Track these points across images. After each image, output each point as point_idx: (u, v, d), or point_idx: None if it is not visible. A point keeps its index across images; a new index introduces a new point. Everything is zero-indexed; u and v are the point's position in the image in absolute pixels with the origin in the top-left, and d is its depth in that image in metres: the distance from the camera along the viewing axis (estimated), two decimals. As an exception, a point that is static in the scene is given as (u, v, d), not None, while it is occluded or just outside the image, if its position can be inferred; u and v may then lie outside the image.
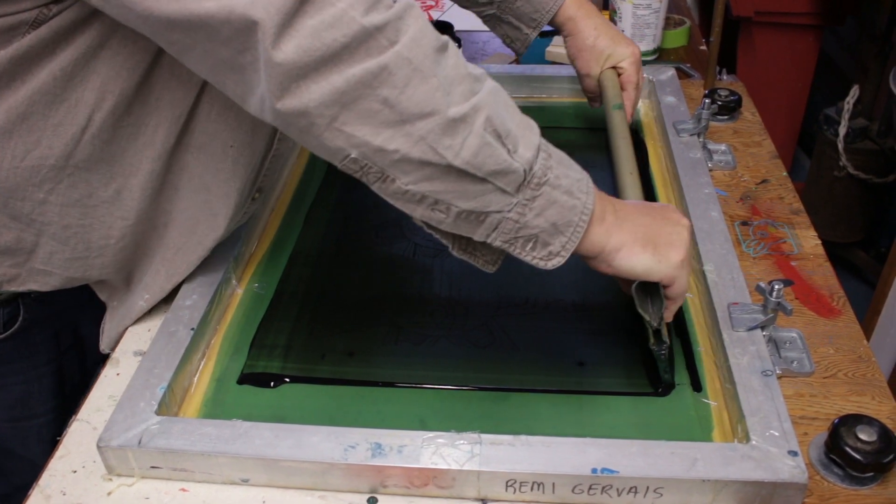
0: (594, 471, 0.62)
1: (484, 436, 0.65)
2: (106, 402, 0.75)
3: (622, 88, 1.00)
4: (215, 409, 0.73)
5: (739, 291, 0.78)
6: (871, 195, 1.73)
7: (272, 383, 0.76)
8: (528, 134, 0.60)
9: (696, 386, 0.74)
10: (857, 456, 0.65)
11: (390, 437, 0.65)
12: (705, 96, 1.12)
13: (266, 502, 0.65)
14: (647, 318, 0.71)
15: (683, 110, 1.08)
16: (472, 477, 0.63)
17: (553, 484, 0.63)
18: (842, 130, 1.63)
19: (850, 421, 0.67)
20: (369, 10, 0.54)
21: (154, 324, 0.83)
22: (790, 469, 0.62)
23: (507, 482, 0.63)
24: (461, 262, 0.68)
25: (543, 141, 0.61)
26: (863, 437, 0.65)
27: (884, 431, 0.66)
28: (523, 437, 0.65)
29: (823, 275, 0.86)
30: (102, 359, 0.98)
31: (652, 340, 0.73)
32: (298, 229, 0.95)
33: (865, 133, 1.67)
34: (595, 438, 0.65)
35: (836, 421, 0.67)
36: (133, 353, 0.80)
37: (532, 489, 0.64)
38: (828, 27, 1.91)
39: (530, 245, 0.62)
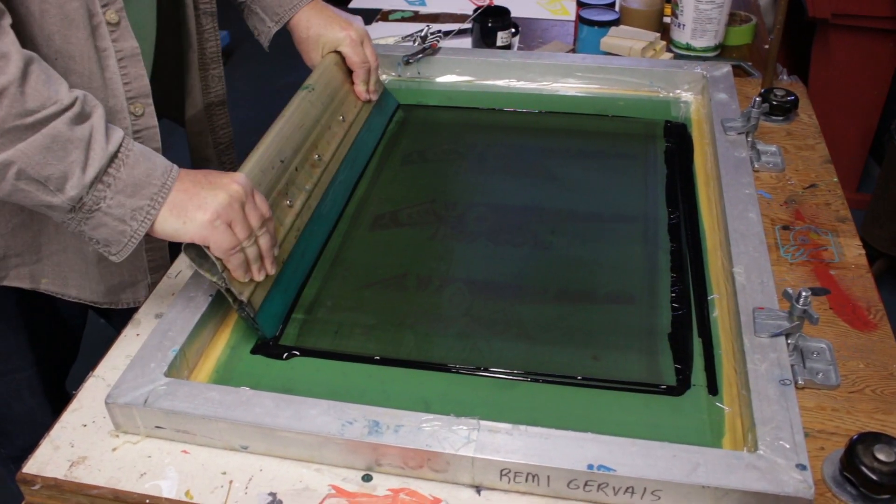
0: (590, 467, 0.61)
1: (482, 422, 0.64)
2: (123, 361, 0.76)
3: (351, 70, 1.04)
4: (226, 376, 0.74)
5: (768, 296, 0.75)
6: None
7: (284, 355, 0.76)
8: (79, 174, 0.66)
9: (713, 389, 0.72)
10: (873, 476, 0.61)
11: (389, 417, 0.65)
12: (759, 95, 1.08)
13: (263, 470, 0.66)
14: (213, 279, 0.73)
15: (735, 108, 1.04)
16: (467, 463, 0.62)
17: (548, 477, 0.62)
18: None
19: (869, 439, 0.64)
20: None
21: (178, 288, 0.85)
22: (796, 483, 0.59)
23: (501, 471, 0.62)
24: (483, 248, 0.76)
25: (114, 172, 0.68)
26: (881, 456, 0.62)
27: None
28: (522, 427, 0.63)
29: (863, 286, 0.82)
30: (78, 308, 0.97)
31: (231, 302, 0.75)
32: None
33: None
34: (596, 434, 0.63)
35: (853, 438, 0.64)
36: (154, 316, 0.82)
37: (527, 480, 0.62)
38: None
39: (94, 243, 0.71)
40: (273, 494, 0.65)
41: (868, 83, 1.80)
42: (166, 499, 0.64)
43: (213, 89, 1.00)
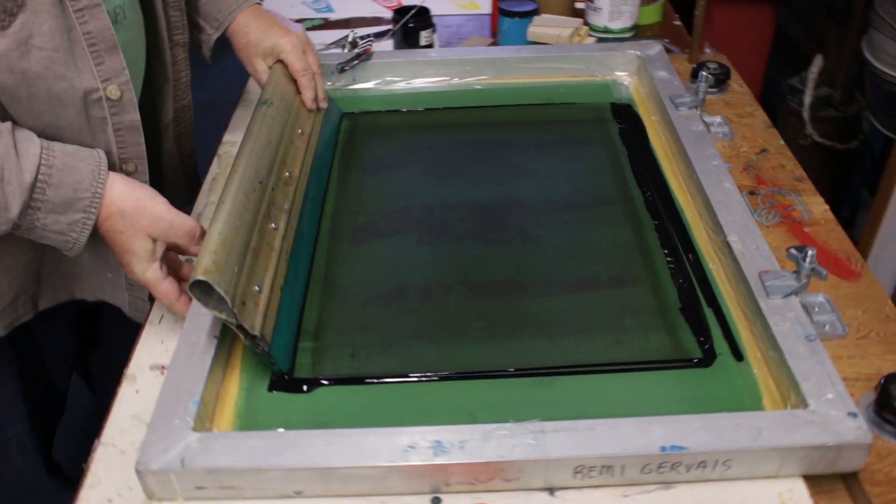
0: (663, 449, 0.61)
1: (545, 423, 0.63)
2: (129, 422, 0.70)
3: (294, 78, 0.99)
4: (249, 420, 0.69)
5: (767, 260, 0.78)
6: (834, 162, 1.77)
7: (305, 388, 0.72)
8: (3, 213, 0.67)
9: (738, 356, 0.74)
10: (902, 416, 0.65)
11: (449, 434, 0.62)
12: (696, 69, 1.12)
13: None
14: (222, 317, 0.68)
15: (677, 84, 1.08)
16: (541, 467, 0.61)
17: (622, 466, 0.62)
18: (807, 100, 1.66)
19: (887, 381, 0.67)
20: None
21: (166, 335, 0.79)
22: (854, 431, 0.62)
23: (575, 469, 0.62)
24: (474, 248, 0.84)
25: (40, 196, 0.68)
26: (913, 393, 0.66)
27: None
28: (585, 422, 0.63)
29: (837, 238, 0.87)
30: (69, 353, 0.94)
31: (244, 338, 0.69)
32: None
33: (828, 101, 1.71)
34: (656, 416, 0.63)
35: (882, 381, 0.67)
36: (149, 368, 0.75)
37: (601, 473, 0.62)
38: (782, 1, 1.94)
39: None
40: None
41: (750, 51, 1.91)
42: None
43: (184, 120, 0.95)
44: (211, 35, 0.99)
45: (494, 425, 0.63)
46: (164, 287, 0.74)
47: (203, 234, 0.75)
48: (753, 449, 0.61)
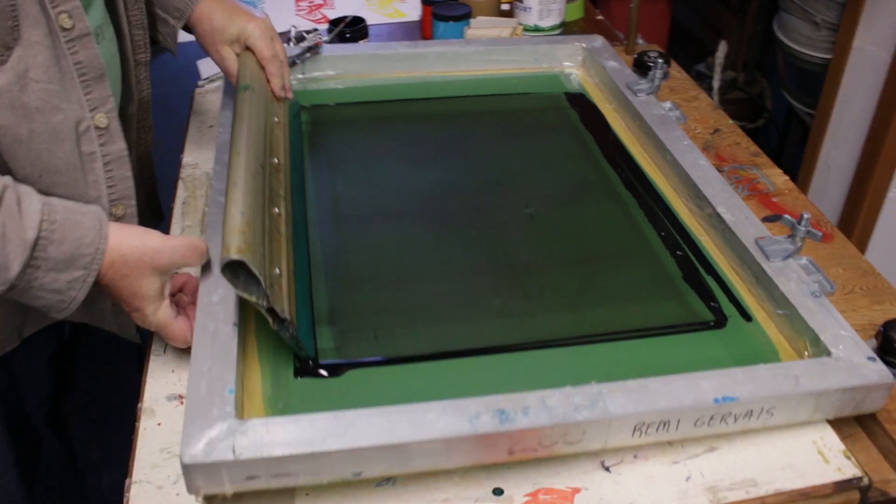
0: (716, 400, 0.63)
1: (601, 385, 0.63)
2: (160, 456, 0.66)
3: (262, 66, 0.96)
4: (280, 408, 0.65)
5: (757, 228, 0.82)
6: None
7: (333, 372, 0.69)
8: (3, 272, 0.62)
9: (746, 317, 0.77)
10: (913, 354, 0.70)
11: (510, 402, 0.61)
12: (638, 59, 1.17)
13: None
14: (253, 299, 0.65)
15: (629, 73, 1.12)
16: (603, 426, 0.61)
17: (678, 420, 0.63)
18: (715, 84, 1.78)
19: (893, 324, 0.73)
20: None
21: (175, 364, 0.75)
22: (877, 373, 0.66)
23: (634, 426, 0.62)
24: (471, 229, 0.83)
25: (41, 254, 0.63)
26: (914, 336, 0.71)
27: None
28: (637, 381, 0.64)
29: (804, 205, 0.93)
30: (46, 397, 0.90)
31: (271, 322, 0.66)
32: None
33: (734, 84, 1.83)
34: (701, 372, 0.65)
35: (882, 328, 0.73)
36: (166, 399, 0.71)
37: (658, 429, 0.63)
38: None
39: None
40: None
41: (649, 42, 2.02)
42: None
43: (145, 141, 0.89)
44: (175, 26, 0.94)
45: (551, 390, 0.62)
46: (179, 325, 0.71)
47: (206, 249, 0.72)
48: (794, 395, 0.64)
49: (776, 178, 0.98)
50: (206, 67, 1.28)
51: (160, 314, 0.69)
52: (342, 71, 1.16)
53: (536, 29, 1.40)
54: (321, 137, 1.03)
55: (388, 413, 0.60)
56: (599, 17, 1.49)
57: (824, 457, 0.66)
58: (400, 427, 0.59)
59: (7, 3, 0.62)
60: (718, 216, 0.85)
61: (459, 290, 0.79)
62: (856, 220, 1.42)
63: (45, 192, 0.67)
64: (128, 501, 0.62)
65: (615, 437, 0.63)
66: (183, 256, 0.70)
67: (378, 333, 0.73)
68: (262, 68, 0.95)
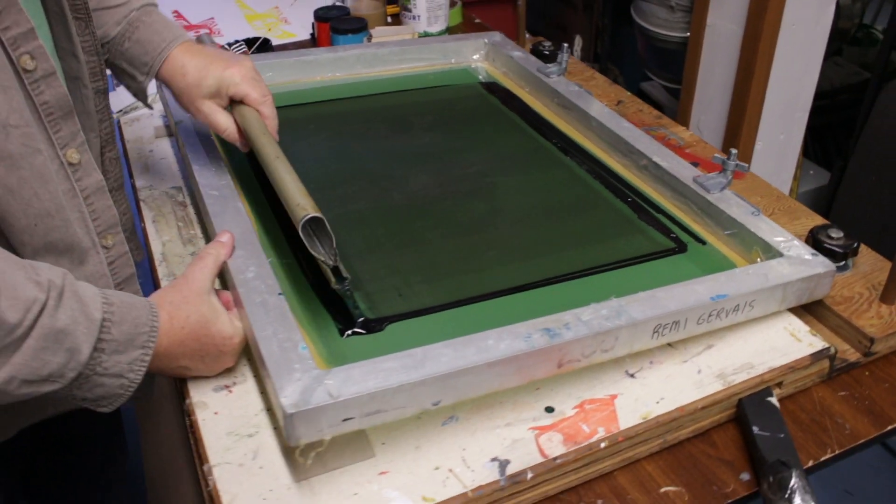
0: (713, 298, 0.74)
1: (618, 300, 0.72)
2: (228, 439, 0.68)
3: (252, 106, 0.87)
4: (341, 363, 0.69)
5: (690, 169, 0.96)
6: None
7: (376, 328, 0.74)
8: (75, 357, 0.61)
9: (700, 241, 0.90)
10: (838, 249, 0.86)
11: (551, 322, 0.69)
12: (534, 48, 1.30)
13: (466, 448, 0.67)
14: (321, 259, 0.72)
15: (534, 60, 1.24)
16: (630, 332, 0.70)
17: (686, 320, 0.73)
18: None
19: (818, 229, 0.88)
20: None
21: None
22: (823, 264, 0.80)
23: (653, 329, 0.72)
24: (446, 201, 0.89)
25: (106, 336, 0.62)
26: (833, 235, 0.87)
27: (842, 230, 0.88)
28: (645, 293, 0.73)
29: (710, 152, 1.08)
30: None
31: (333, 280, 0.73)
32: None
33: None
34: (693, 279, 0.76)
35: (809, 233, 0.88)
36: (213, 390, 0.73)
37: (670, 330, 0.73)
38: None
39: (80, 401, 0.65)
40: (496, 460, 0.66)
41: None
42: None
43: (113, 173, 0.84)
44: (143, 82, 0.88)
45: (581, 308, 0.71)
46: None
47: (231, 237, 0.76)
48: (767, 288, 0.77)
49: (682, 133, 1.13)
50: (118, 100, 1.26)
51: (236, 322, 0.72)
52: (268, 79, 1.19)
53: (426, 34, 1.50)
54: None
55: (453, 345, 0.66)
56: (477, 21, 1.62)
57: (797, 338, 0.79)
58: (468, 353, 0.65)
59: None
60: (655, 164, 0.97)
61: (456, 249, 0.86)
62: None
63: (43, 240, 0.67)
64: (214, 484, 0.64)
65: (639, 341, 0.72)
66: (226, 255, 0.72)
67: (401, 292, 0.79)
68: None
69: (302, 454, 0.63)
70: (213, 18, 1.65)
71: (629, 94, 1.24)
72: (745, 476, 0.70)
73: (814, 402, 0.77)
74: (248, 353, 0.75)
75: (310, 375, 0.62)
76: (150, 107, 0.96)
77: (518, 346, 0.66)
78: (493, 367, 0.65)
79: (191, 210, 0.99)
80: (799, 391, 0.78)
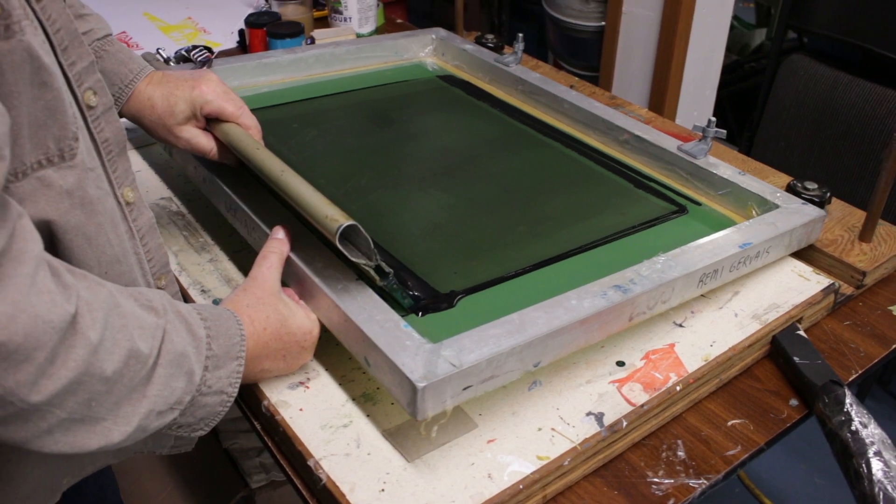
0: (741, 246, 0.81)
1: (663, 255, 0.78)
2: (325, 433, 0.68)
3: (229, 120, 0.84)
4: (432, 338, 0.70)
5: (670, 140, 1.04)
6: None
7: (449, 303, 0.75)
8: (188, 384, 0.59)
9: (696, 203, 0.97)
10: (816, 198, 0.96)
11: (617, 279, 0.73)
12: (478, 39, 1.35)
13: (559, 407, 0.70)
14: (363, 263, 0.70)
15: (487, 52, 1.28)
16: (682, 283, 0.76)
17: (721, 268, 0.80)
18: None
19: (794, 183, 0.98)
20: None
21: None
22: (815, 210, 0.90)
23: (699, 279, 0.78)
24: (455, 188, 0.92)
25: (209, 353, 0.61)
26: (809, 186, 0.97)
27: (816, 181, 0.98)
28: (681, 248, 0.79)
29: (671, 127, 1.17)
30: None
31: (378, 279, 0.72)
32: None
33: None
34: (719, 232, 0.83)
35: (788, 186, 0.97)
36: (288, 388, 0.72)
37: (710, 279, 0.80)
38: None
39: (174, 429, 0.62)
40: (591, 414, 0.69)
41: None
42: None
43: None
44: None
45: (637, 265, 0.76)
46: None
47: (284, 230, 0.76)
48: (777, 236, 0.85)
49: (639, 111, 1.21)
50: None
51: (311, 315, 0.72)
52: (235, 86, 1.17)
53: (358, 36, 1.51)
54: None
55: (542, 308, 0.69)
56: (399, 21, 1.64)
57: (805, 278, 0.88)
58: (559, 314, 0.68)
59: (66, 89, 0.55)
60: (637, 137, 1.04)
61: (489, 227, 0.89)
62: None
63: None
64: (327, 477, 0.63)
65: (688, 291, 0.78)
66: (284, 251, 0.72)
67: (455, 270, 0.80)
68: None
69: (426, 428, 0.64)
70: (125, 32, 1.58)
71: (577, 78, 1.31)
72: (794, 402, 0.77)
73: (826, 333, 0.86)
74: (314, 350, 0.74)
75: (425, 349, 0.63)
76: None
77: (599, 303, 0.70)
78: (583, 325, 0.69)
79: (191, 218, 0.96)
80: (813, 325, 0.87)
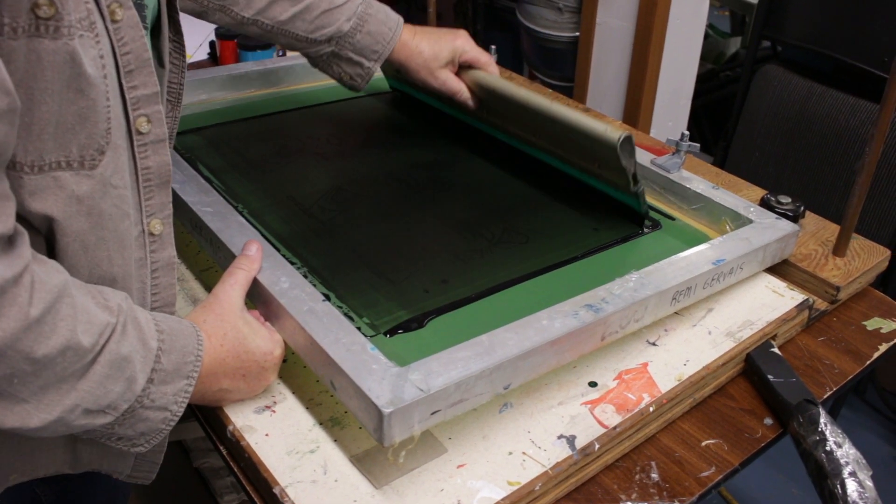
0: (714, 263, 0.80)
1: (636, 273, 0.77)
2: (290, 458, 0.66)
3: (481, 68, 1.04)
4: (398, 360, 0.69)
5: (644, 153, 1.03)
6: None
7: (419, 324, 0.74)
8: (131, 387, 0.58)
9: (670, 218, 0.96)
10: (790, 213, 0.95)
11: (588, 299, 0.72)
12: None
13: (530, 430, 0.67)
14: (629, 168, 0.87)
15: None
16: (655, 300, 0.75)
17: (695, 285, 0.79)
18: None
19: (768, 197, 0.97)
20: None
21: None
22: (788, 226, 0.89)
23: (672, 297, 0.77)
24: (428, 200, 0.95)
25: (157, 366, 0.60)
26: (783, 200, 0.97)
27: (789, 195, 0.98)
28: (654, 266, 0.78)
29: (643, 139, 1.16)
30: None
31: (632, 184, 0.89)
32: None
33: None
34: (693, 248, 0.82)
35: (762, 200, 0.97)
36: (254, 412, 0.70)
37: (684, 295, 0.78)
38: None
39: (115, 440, 0.62)
40: (563, 437, 0.68)
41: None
42: None
43: None
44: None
45: (609, 284, 0.75)
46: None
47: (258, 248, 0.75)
48: (752, 251, 0.84)
49: (613, 123, 1.20)
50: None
51: (275, 336, 0.70)
52: (204, 97, 1.15)
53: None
54: (214, 156, 1.02)
55: (512, 329, 0.67)
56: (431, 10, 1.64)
57: (779, 293, 0.87)
58: (530, 335, 0.67)
59: (104, 104, 0.56)
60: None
61: (458, 245, 0.87)
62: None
63: None
64: None
65: (661, 309, 0.77)
66: (253, 268, 0.71)
67: (426, 288, 0.79)
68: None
69: (394, 454, 0.62)
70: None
71: (550, 90, 1.30)
72: (769, 421, 0.76)
73: (801, 349, 0.86)
74: (281, 372, 0.73)
75: (391, 373, 0.62)
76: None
77: (570, 323, 0.69)
78: (554, 346, 0.68)
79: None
80: (787, 341, 0.86)
